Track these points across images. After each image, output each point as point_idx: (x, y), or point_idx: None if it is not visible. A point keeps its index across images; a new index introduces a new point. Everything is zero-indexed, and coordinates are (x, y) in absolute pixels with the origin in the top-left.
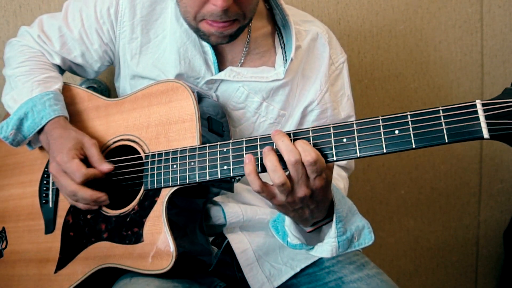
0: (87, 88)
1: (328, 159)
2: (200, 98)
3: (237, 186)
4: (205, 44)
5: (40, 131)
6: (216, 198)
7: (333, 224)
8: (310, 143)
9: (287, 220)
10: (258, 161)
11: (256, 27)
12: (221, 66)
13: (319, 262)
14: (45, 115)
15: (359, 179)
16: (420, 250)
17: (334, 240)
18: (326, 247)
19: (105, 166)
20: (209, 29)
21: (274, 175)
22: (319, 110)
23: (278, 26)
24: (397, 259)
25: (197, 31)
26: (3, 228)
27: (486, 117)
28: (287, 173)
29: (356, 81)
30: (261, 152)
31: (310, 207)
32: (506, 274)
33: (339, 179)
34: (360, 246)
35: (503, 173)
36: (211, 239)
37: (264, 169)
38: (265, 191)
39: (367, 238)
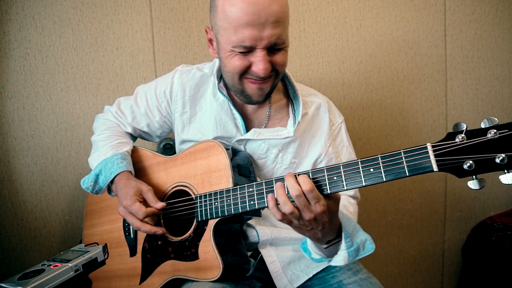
0: (165, 145)
1: (324, 192)
2: (234, 151)
3: (266, 211)
4: (235, 112)
5: (112, 182)
6: (250, 222)
7: (342, 239)
8: (310, 179)
9: (309, 241)
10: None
11: (275, 99)
12: (247, 129)
13: (326, 269)
14: (113, 171)
15: (359, 209)
16: (402, 259)
17: (344, 252)
18: (340, 258)
19: (159, 204)
20: (252, 87)
21: (284, 207)
22: (326, 160)
23: (291, 99)
24: (386, 266)
25: (242, 92)
26: (105, 244)
27: (435, 156)
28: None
29: (357, 139)
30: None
31: (319, 228)
32: (464, 277)
33: (350, 205)
34: (365, 254)
35: (461, 205)
36: (249, 253)
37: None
38: (285, 219)
39: (369, 247)
